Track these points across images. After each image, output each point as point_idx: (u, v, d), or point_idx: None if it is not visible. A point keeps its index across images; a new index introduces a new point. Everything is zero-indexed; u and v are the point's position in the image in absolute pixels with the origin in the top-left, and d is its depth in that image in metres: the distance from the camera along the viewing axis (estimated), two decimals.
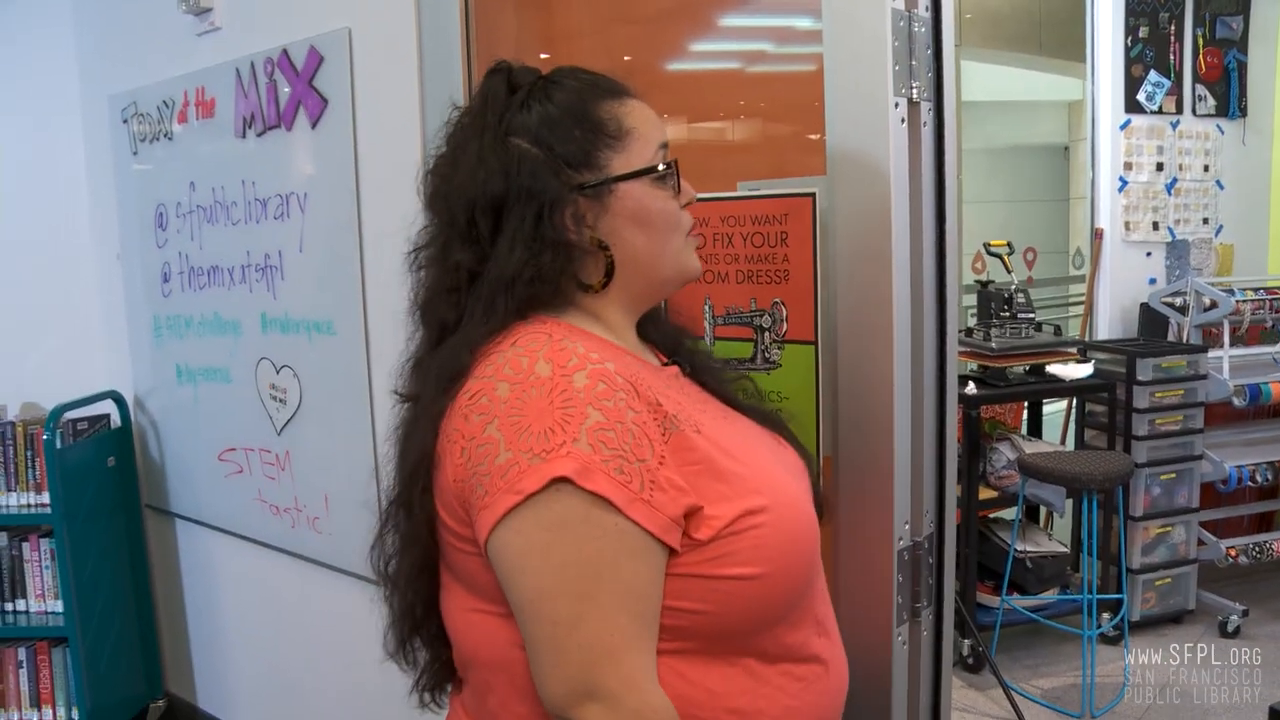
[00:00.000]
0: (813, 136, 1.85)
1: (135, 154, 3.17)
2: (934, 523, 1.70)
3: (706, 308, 1.80)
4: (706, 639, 1.05)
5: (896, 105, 1.58)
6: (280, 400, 2.74)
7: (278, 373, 2.74)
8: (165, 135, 3.02)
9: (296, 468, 2.75)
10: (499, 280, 1.10)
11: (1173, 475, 4.35)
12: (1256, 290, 4.68)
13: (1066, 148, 6.43)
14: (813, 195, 1.66)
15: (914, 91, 1.61)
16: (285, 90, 2.56)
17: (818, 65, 1.63)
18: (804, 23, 1.86)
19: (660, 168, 1.18)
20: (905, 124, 1.61)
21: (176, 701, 3.56)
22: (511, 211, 1.11)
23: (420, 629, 1.22)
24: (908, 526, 1.64)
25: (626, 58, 2.04)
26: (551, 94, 1.17)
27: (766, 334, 1.76)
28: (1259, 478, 4.43)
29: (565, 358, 1.02)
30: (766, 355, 1.76)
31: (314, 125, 2.50)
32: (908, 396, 1.65)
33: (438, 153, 1.21)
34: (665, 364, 1.30)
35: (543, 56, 2.14)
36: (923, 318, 1.68)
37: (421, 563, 1.15)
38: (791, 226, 1.70)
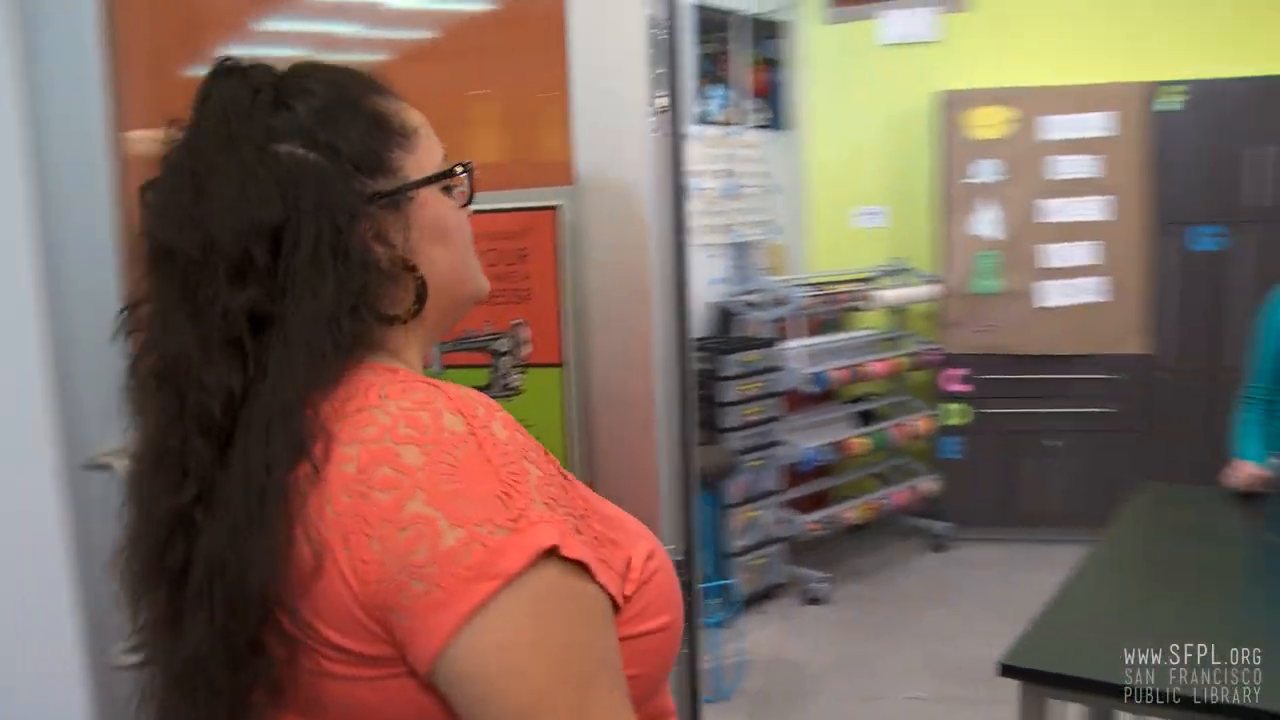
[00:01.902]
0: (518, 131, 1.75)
1: None
2: (684, 545, 1.67)
3: None
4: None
5: (650, 115, 1.54)
6: None
7: None
8: None
9: None
10: (318, 318, 0.86)
11: (761, 461, 4.68)
12: (815, 286, 5.16)
13: None
14: (557, 209, 1.57)
15: (662, 101, 1.57)
16: None
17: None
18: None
19: (458, 170, 1.02)
20: (656, 134, 1.57)
21: None
22: (301, 233, 0.87)
23: None
24: (672, 549, 1.59)
25: (288, 51, 1.82)
26: (311, 88, 0.95)
27: (505, 358, 1.64)
28: (826, 456, 4.89)
29: (468, 406, 0.83)
30: (506, 382, 1.64)
31: None
32: (665, 415, 1.61)
33: (158, 183, 0.93)
34: None
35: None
36: (672, 333, 1.65)
37: None
38: (532, 242, 1.60)
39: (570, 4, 1.52)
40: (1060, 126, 5.02)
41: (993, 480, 5.26)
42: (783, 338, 4.94)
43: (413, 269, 0.96)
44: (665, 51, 1.59)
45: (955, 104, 5.14)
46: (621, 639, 0.86)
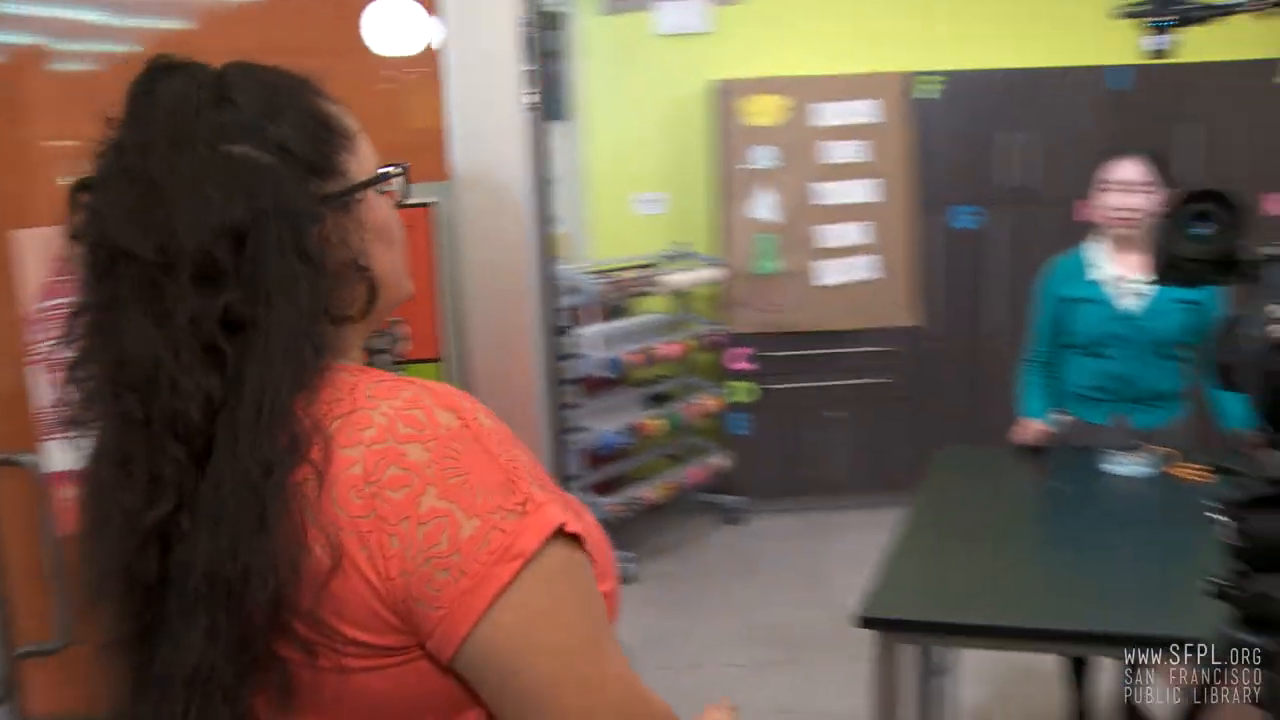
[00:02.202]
0: None
1: None
2: None
3: None
4: None
5: (525, 111, 1.57)
6: None
7: None
8: None
9: None
10: (297, 322, 0.87)
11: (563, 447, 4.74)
12: (603, 273, 5.25)
13: None
14: (432, 206, 1.58)
15: (533, 97, 1.60)
16: None
17: None
18: None
19: (395, 170, 1.03)
20: (529, 129, 1.60)
21: None
22: (264, 237, 0.87)
23: None
24: None
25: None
26: (254, 89, 0.94)
27: (383, 356, 1.63)
28: (624, 438, 5.00)
29: (455, 402, 0.88)
30: None
31: None
32: (545, 404, 1.64)
33: (100, 184, 0.90)
34: None
35: None
36: (545, 323, 1.68)
37: None
38: (408, 239, 1.59)
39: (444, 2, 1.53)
40: (830, 114, 5.29)
41: (780, 453, 5.51)
42: (575, 324, 5.00)
43: (364, 269, 0.97)
44: (533, 49, 1.63)
45: (730, 92, 5.33)
46: None
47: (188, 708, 0.83)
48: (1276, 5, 2.23)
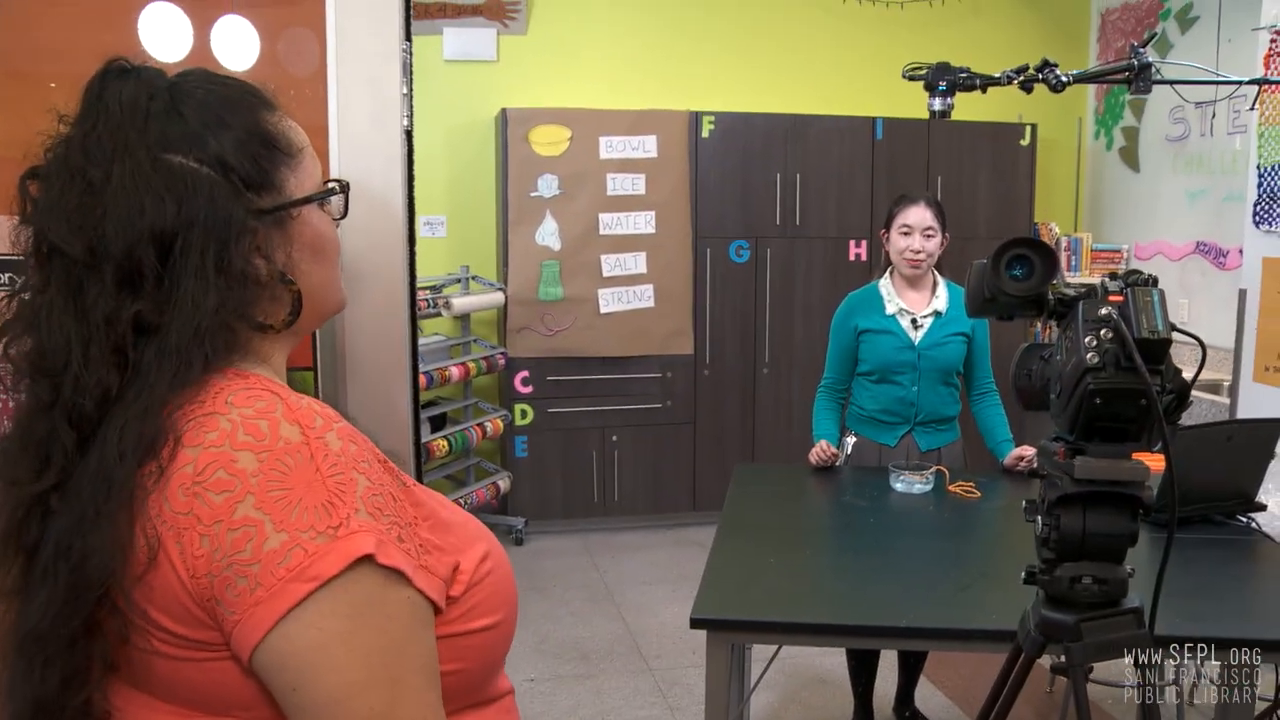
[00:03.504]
0: None
1: None
2: None
3: None
4: (457, 699, 0.99)
5: (401, 132, 1.63)
6: None
7: None
8: None
9: None
10: (196, 330, 0.91)
11: None
12: None
13: None
14: None
15: (408, 120, 1.67)
16: None
17: None
18: None
19: (334, 186, 1.09)
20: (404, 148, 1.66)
21: None
22: (189, 247, 0.92)
23: None
24: None
25: None
26: (205, 100, 0.99)
27: None
28: None
29: (306, 417, 0.90)
30: None
31: None
32: (413, 415, 1.70)
33: (45, 178, 0.95)
34: None
35: None
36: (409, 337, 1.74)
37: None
38: None
39: (333, 24, 1.57)
40: (614, 147, 5.48)
41: (563, 475, 5.64)
42: None
43: (290, 283, 1.02)
44: (408, 72, 1.69)
45: (517, 121, 5.42)
46: (445, 637, 0.95)
47: (30, 664, 0.88)
48: (1028, 80, 2.58)
